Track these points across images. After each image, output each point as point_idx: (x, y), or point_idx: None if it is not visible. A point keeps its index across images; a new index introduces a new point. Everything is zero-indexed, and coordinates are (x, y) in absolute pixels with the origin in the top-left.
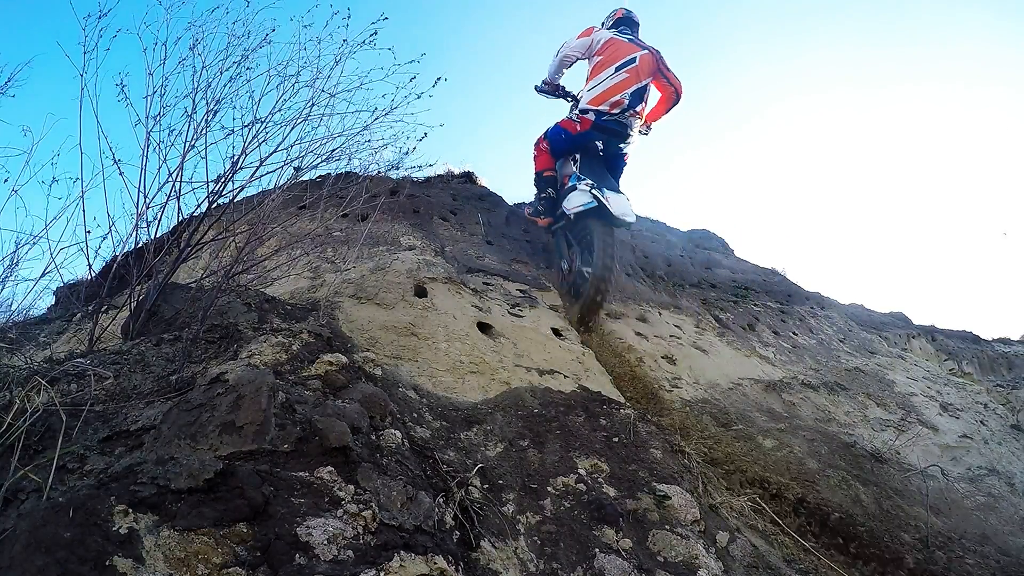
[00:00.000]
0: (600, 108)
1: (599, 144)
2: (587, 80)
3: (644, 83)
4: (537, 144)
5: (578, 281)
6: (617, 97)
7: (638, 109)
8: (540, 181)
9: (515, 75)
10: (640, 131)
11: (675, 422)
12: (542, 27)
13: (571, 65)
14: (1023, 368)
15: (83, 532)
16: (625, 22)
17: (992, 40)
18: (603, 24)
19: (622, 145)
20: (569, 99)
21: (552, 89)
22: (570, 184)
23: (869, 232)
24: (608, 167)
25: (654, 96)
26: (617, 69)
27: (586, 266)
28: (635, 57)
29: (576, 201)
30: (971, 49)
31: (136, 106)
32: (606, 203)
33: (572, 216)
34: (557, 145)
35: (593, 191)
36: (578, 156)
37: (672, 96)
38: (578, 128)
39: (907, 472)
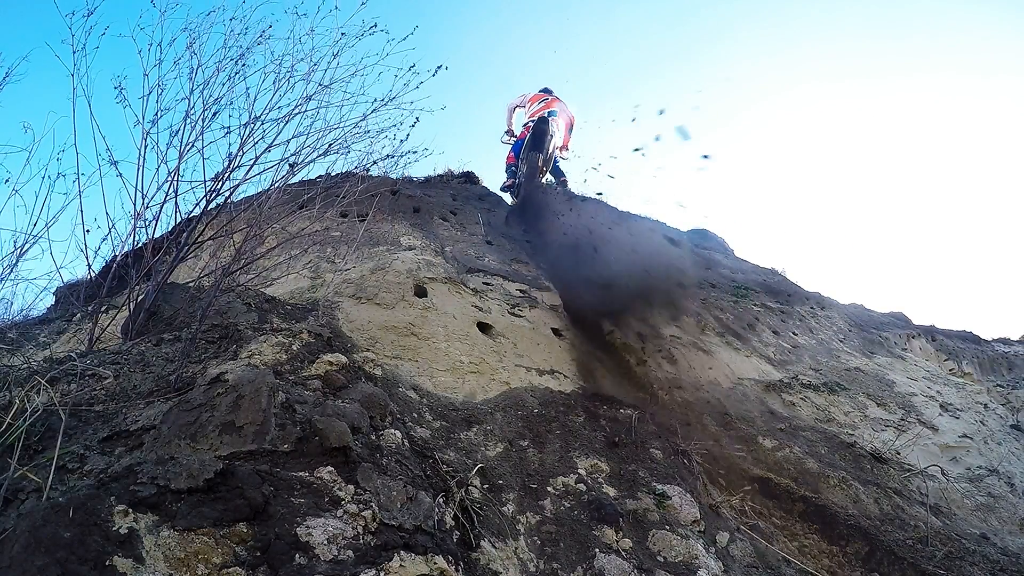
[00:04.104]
0: (532, 119)
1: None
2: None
3: (554, 109)
4: (507, 156)
5: (519, 186)
6: (539, 113)
7: (551, 119)
8: (509, 166)
9: (518, 75)
10: (563, 156)
11: (675, 422)
12: (544, 27)
13: (514, 110)
14: (1023, 368)
15: (83, 532)
16: (545, 89)
17: (993, 36)
18: (537, 90)
19: (544, 128)
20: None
21: (510, 138)
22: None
23: (869, 232)
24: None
25: (564, 128)
26: (538, 104)
27: (520, 178)
28: (547, 99)
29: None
30: (971, 44)
31: (134, 106)
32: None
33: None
34: (516, 150)
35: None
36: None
37: (570, 123)
38: (524, 135)
39: (907, 472)
